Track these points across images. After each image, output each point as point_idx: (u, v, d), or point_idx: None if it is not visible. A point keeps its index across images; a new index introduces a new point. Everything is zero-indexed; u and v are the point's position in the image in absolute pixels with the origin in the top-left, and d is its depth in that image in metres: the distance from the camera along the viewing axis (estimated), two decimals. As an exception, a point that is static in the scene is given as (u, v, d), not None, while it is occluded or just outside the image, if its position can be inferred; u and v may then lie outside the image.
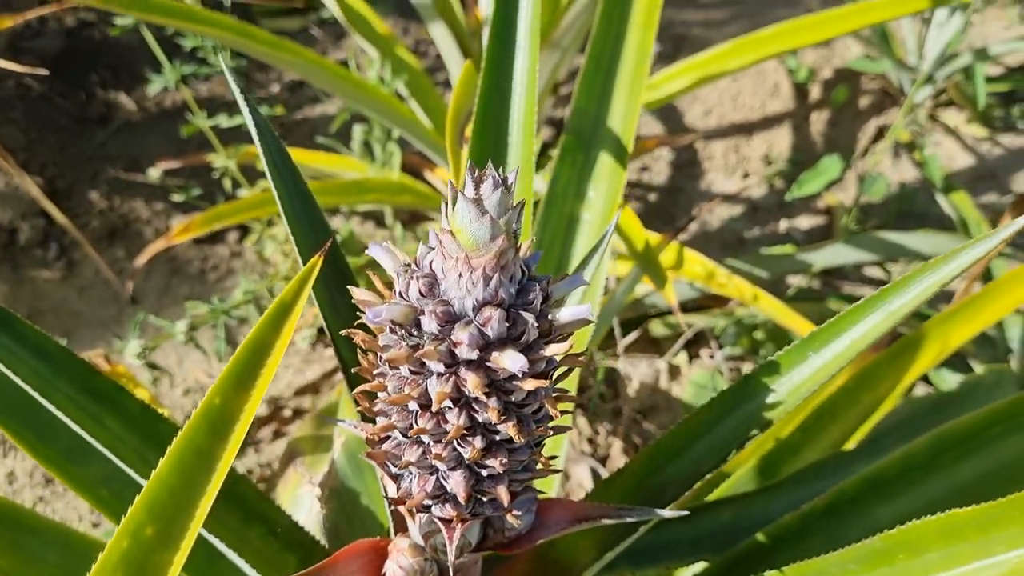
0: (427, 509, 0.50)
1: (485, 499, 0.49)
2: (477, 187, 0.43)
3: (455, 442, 0.46)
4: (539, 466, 0.51)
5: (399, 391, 0.45)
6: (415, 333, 0.44)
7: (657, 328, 1.40)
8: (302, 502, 0.75)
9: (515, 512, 0.51)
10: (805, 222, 1.78)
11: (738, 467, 0.89)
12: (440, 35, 1.32)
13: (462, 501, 0.48)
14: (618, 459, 1.31)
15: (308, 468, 0.79)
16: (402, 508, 0.50)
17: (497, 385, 0.45)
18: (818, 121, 1.95)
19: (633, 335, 1.39)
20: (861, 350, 0.51)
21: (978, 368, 1.33)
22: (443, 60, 1.39)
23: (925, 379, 1.40)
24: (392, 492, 0.51)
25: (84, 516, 1.29)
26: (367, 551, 0.55)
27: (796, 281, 1.54)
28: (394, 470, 0.50)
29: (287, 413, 1.42)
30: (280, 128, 1.85)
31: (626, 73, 0.89)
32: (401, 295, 0.45)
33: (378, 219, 1.66)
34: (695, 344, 1.45)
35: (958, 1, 1.32)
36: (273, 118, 1.73)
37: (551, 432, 0.49)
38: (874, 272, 1.59)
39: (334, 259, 0.56)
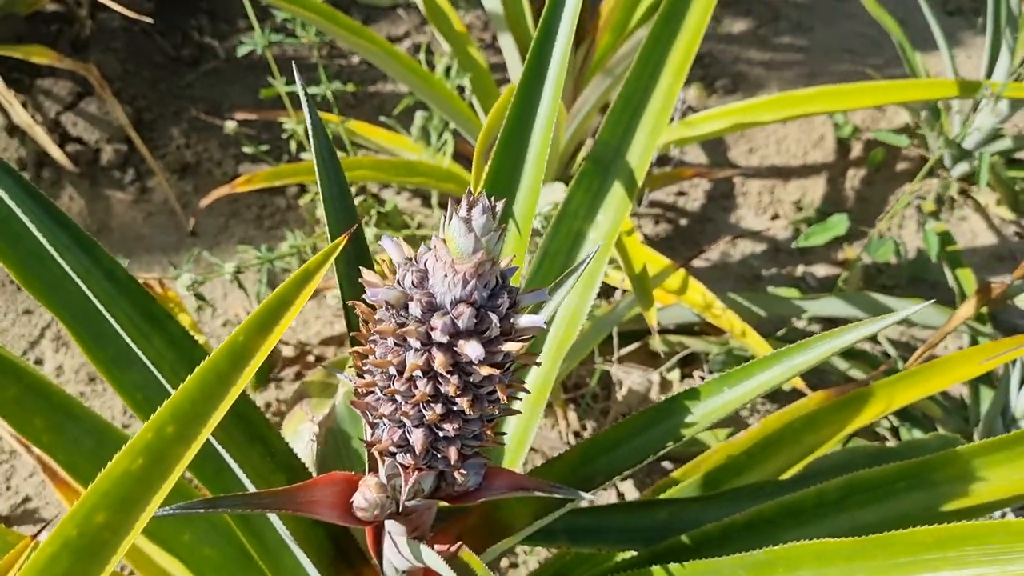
0: (392, 455, 0.61)
1: (439, 456, 0.60)
2: (469, 209, 0.53)
3: (420, 405, 0.57)
4: (487, 438, 0.61)
5: (383, 357, 0.56)
6: (403, 314, 0.55)
7: (656, 344, 1.49)
8: (302, 435, 0.87)
9: (462, 471, 0.61)
10: (821, 270, 1.86)
11: (688, 476, 0.99)
12: (507, 45, 1.42)
13: (419, 453, 0.59)
14: (598, 455, 1.41)
15: (312, 408, 0.91)
16: (373, 450, 0.61)
17: (459, 366, 0.55)
18: (854, 178, 2.02)
19: (634, 346, 1.48)
20: (763, 392, 0.60)
21: (942, 430, 1.40)
22: (507, 66, 1.49)
23: (896, 432, 1.48)
24: (368, 436, 0.61)
25: (117, 417, 1.42)
26: (341, 481, 0.66)
27: (795, 322, 1.62)
28: (371, 419, 0.60)
29: (311, 358, 1.54)
30: (353, 98, 1.97)
31: (650, 115, 0.98)
32: (399, 282, 0.56)
33: (425, 197, 1.77)
34: (690, 363, 1.54)
35: (983, 94, 1.38)
36: (344, 93, 1.85)
37: (499, 412, 0.59)
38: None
39: (357, 241, 0.67)
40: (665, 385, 1.51)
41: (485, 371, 0.55)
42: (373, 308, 0.58)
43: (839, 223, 1.50)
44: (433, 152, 1.55)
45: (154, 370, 0.63)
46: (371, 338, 0.58)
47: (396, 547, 0.69)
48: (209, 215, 1.70)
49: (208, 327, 1.54)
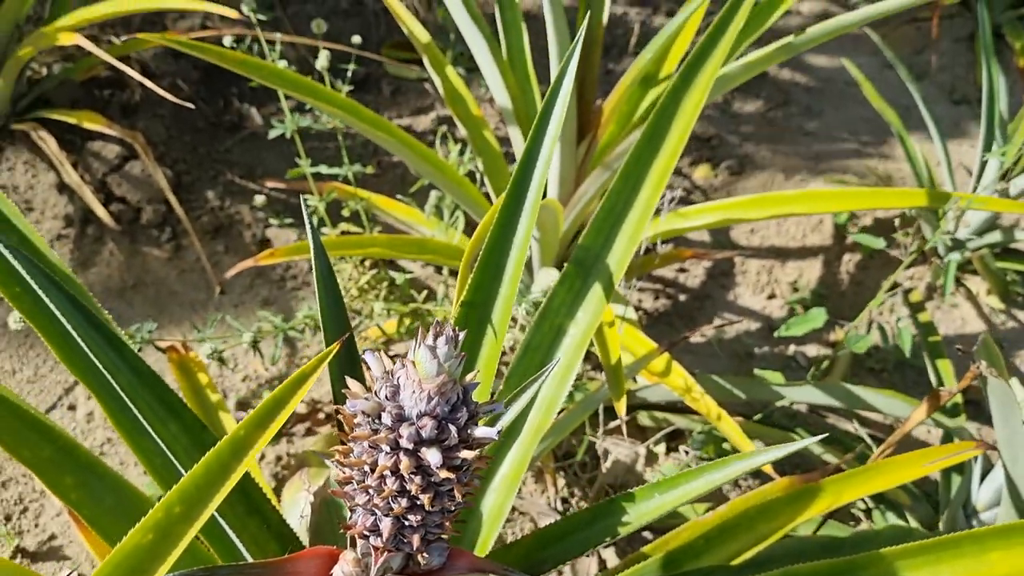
0: (365, 537, 0.70)
1: (405, 540, 0.69)
2: (435, 338, 0.63)
3: (388, 499, 0.66)
4: (447, 528, 0.70)
5: (359, 457, 0.66)
6: (377, 422, 0.64)
7: (644, 419, 1.58)
8: (298, 503, 0.96)
9: (425, 554, 0.70)
10: (812, 349, 1.93)
11: (655, 552, 1.07)
12: (515, 137, 1.53)
13: (386, 538, 0.68)
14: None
15: (310, 478, 1.00)
16: (349, 533, 0.70)
17: (422, 468, 0.64)
18: (849, 263, 2.09)
19: (621, 421, 1.57)
20: (690, 500, 0.69)
21: (912, 521, 1.47)
22: (515, 155, 1.60)
23: (868, 513, 1.54)
24: (347, 520, 0.71)
25: (137, 463, 1.52)
26: (324, 554, 0.75)
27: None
28: (350, 505, 0.70)
29: (321, 416, 1.64)
30: (378, 167, 2.09)
31: (630, 224, 1.08)
32: (376, 393, 0.65)
33: (439, 266, 1.88)
34: (676, 438, 1.62)
35: (954, 204, 1.47)
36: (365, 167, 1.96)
37: (457, 508, 0.68)
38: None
39: (349, 346, 0.77)
40: (651, 457, 1.59)
41: (444, 474, 0.64)
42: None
43: (818, 316, 1.58)
44: (445, 228, 1.66)
45: (168, 453, 0.73)
46: (350, 438, 0.67)
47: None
48: (237, 274, 1.81)
49: (228, 381, 1.65)
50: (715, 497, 1.55)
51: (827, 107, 2.61)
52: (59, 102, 1.97)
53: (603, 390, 1.42)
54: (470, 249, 0.95)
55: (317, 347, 1.70)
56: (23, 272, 0.70)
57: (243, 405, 1.61)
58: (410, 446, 0.63)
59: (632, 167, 1.08)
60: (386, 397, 0.64)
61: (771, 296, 2.04)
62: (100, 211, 1.78)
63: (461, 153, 1.54)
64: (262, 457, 1.54)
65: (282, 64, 1.38)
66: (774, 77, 2.67)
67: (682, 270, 2.05)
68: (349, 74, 1.61)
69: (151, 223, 1.86)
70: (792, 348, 1.93)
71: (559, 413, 1.30)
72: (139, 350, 1.28)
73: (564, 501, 1.52)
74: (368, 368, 0.66)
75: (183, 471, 0.70)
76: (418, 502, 0.66)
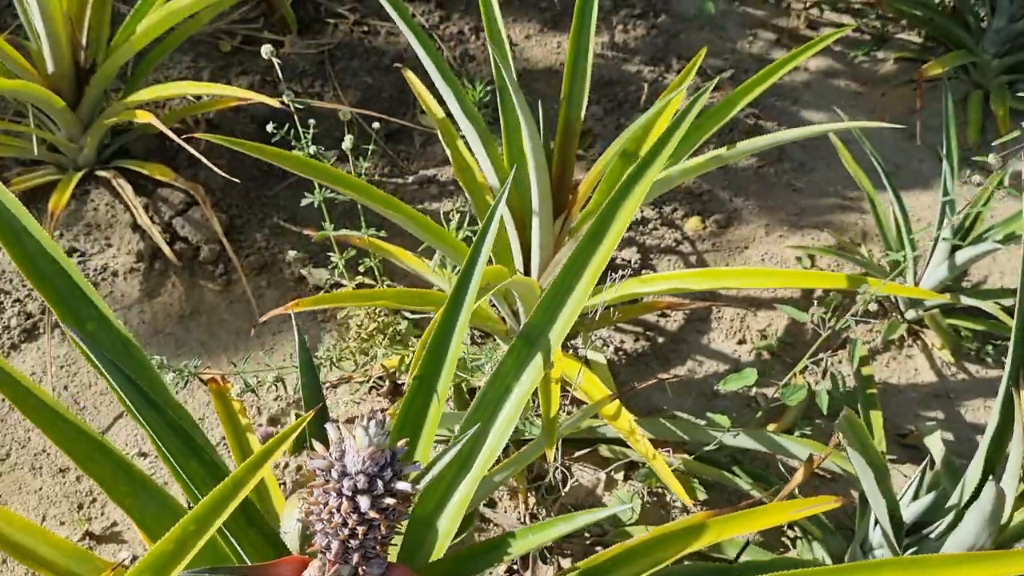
0: (323, 553, 0.97)
1: (350, 557, 0.95)
2: (368, 421, 0.89)
3: (335, 528, 0.92)
4: (379, 551, 0.96)
5: (318, 498, 0.92)
6: (328, 474, 0.91)
7: (604, 451, 1.82)
8: (292, 517, 1.23)
9: (365, 568, 0.97)
10: (771, 390, 2.15)
11: (577, 568, 1.32)
12: (505, 213, 1.79)
13: (335, 555, 0.94)
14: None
15: (303, 498, 1.27)
16: (310, 549, 0.97)
17: (358, 510, 0.90)
18: (813, 315, 2.30)
19: (587, 450, 1.82)
20: (550, 540, 0.93)
21: (823, 551, 1.68)
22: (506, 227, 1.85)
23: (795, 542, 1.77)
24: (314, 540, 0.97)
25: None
26: (299, 562, 1.02)
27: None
28: (311, 529, 0.96)
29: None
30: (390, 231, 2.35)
31: (571, 304, 1.32)
32: (332, 455, 0.92)
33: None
34: (632, 468, 1.86)
35: (865, 291, 1.68)
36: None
37: (387, 535, 0.94)
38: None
39: (322, 413, 1.04)
40: (611, 483, 1.83)
41: (373, 514, 0.90)
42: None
43: (750, 375, 1.80)
44: (448, 277, 1.92)
45: (192, 487, 1.01)
46: (310, 485, 0.94)
47: (332, 606, 1.05)
48: (276, 305, 2.10)
49: (263, 400, 1.94)
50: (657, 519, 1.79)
51: (820, 164, 2.80)
52: (136, 152, 2.28)
53: (563, 426, 1.67)
54: (425, 336, 1.21)
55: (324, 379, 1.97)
56: (93, 358, 0.98)
57: (274, 421, 1.90)
58: (349, 494, 0.89)
59: (572, 263, 1.32)
60: (336, 458, 0.90)
61: (741, 342, 2.26)
62: (166, 249, 2.09)
63: (459, 227, 1.80)
64: (285, 466, 1.83)
65: (312, 149, 1.66)
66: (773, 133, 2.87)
67: (663, 315, 2.28)
68: (381, 132, 1.89)
69: (207, 260, 2.16)
70: (755, 390, 2.15)
71: (525, 444, 1.56)
72: (186, 383, 1.57)
73: (532, 517, 1.78)
74: (327, 435, 0.93)
75: (200, 496, 0.97)
76: (356, 532, 0.92)
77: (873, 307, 2.37)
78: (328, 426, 0.93)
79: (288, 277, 2.18)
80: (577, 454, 1.81)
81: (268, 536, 1.10)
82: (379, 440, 0.89)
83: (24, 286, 2.04)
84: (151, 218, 2.15)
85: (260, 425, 1.89)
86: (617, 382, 2.04)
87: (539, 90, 2.83)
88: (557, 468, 1.71)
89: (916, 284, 2.28)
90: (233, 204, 2.28)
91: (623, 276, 1.62)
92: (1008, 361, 1.34)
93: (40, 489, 1.75)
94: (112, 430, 1.89)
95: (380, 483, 0.90)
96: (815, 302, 2.35)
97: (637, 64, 3.01)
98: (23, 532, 1.28)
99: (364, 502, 0.89)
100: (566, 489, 1.75)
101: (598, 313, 1.60)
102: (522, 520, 1.76)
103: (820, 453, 1.31)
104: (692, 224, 2.52)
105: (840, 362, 2.23)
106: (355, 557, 0.95)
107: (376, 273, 1.85)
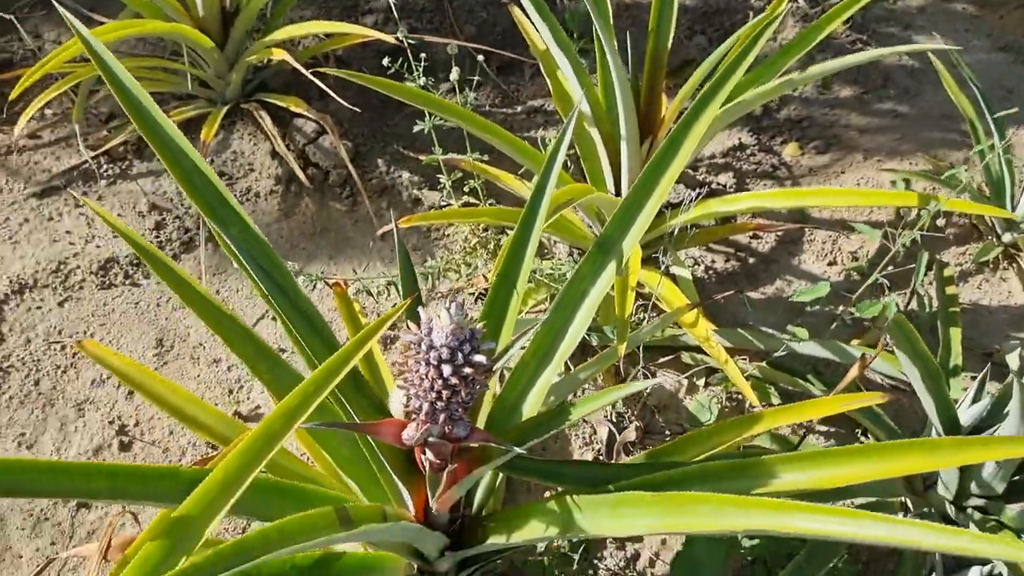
0: (416, 414, 1.16)
1: (438, 417, 1.14)
2: (451, 304, 1.06)
3: (425, 392, 1.11)
4: (462, 413, 1.14)
5: (412, 367, 1.11)
6: (419, 348, 1.09)
7: (686, 358, 1.95)
8: (397, 393, 1.44)
9: (449, 427, 1.15)
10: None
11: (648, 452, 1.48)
12: (596, 136, 1.91)
13: (425, 415, 1.13)
14: (631, 433, 1.90)
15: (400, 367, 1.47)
16: (407, 411, 1.16)
17: (443, 377, 1.09)
18: (907, 238, 2.33)
19: (669, 357, 1.95)
20: (594, 409, 1.08)
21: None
22: (598, 151, 1.97)
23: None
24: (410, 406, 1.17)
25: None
26: (398, 423, 1.21)
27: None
28: (409, 395, 1.15)
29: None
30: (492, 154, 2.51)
31: (642, 218, 1.45)
32: (423, 331, 1.10)
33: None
34: (711, 373, 1.99)
35: (935, 206, 1.72)
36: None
37: (470, 399, 1.12)
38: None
39: (417, 300, 1.22)
40: (691, 388, 1.97)
41: (454, 380, 1.08)
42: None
43: (824, 287, 1.87)
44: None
45: (313, 358, 1.22)
46: (405, 356, 1.13)
47: (428, 461, 1.25)
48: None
49: (382, 307, 2.16)
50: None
51: (927, 89, 2.77)
52: (275, 87, 2.52)
53: (637, 335, 1.82)
54: (506, 245, 1.36)
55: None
56: (240, 257, 1.20)
57: (390, 344, 2.12)
58: (435, 363, 1.08)
59: (643, 181, 1.45)
60: (425, 334, 1.09)
61: (831, 263, 2.32)
62: (300, 174, 2.32)
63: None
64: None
65: (422, 80, 1.83)
66: (879, 60, 2.85)
67: (756, 237, 2.36)
68: (493, 65, 2.03)
69: (335, 184, 2.39)
70: (840, 307, 2.22)
71: (604, 348, 1.71)
72: (314, 286, 1.79)
73: (619, 415, 1.94)
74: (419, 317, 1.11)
75: (318, 364, 1.18)
76: (441, 395, 1.11)
77: (958, 230, 2.37)
78: (420, 309, 1.12)
79: (406, 200, 2.38)
80: (660, 360, 1.95)
81: (374, 402, 1.30)
82: (460, 320, 1.07)
83: (183, 205, 2.32)
84: (287, 146, 2.39)
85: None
86: (704, 297, 2.16)
87: (645, 19, 2.89)
88: (640, 370, 1.86)
89: (1013, 209, 2.27)
90: (358, 133, 2.49)
91: (699, 195, 1.73)
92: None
93: (198, 376, 2.04)
94: (255, 329, 2.16)
95: (460, 355, 1.08)
96: (906, 227, 2.37)
97: (744, -8, 3.03)
98: (188, 402, 1.55)
99: (447, 370, 1.07)
100: (647, 391, 1.90)
101: (676, 230, 1.72)
102: (609, 418, 1.93)
103: (872, 353, 1.40)
104: (790, 150, 2.57)
105: (931, 284, 2.26)
106: (441, 417, 1.13)
107: (480, 194, 2.02)
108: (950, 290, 2.05)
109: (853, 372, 1.45)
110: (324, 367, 1.13)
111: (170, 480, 1.16)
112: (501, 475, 1.51)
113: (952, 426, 1.53)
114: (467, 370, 1.08)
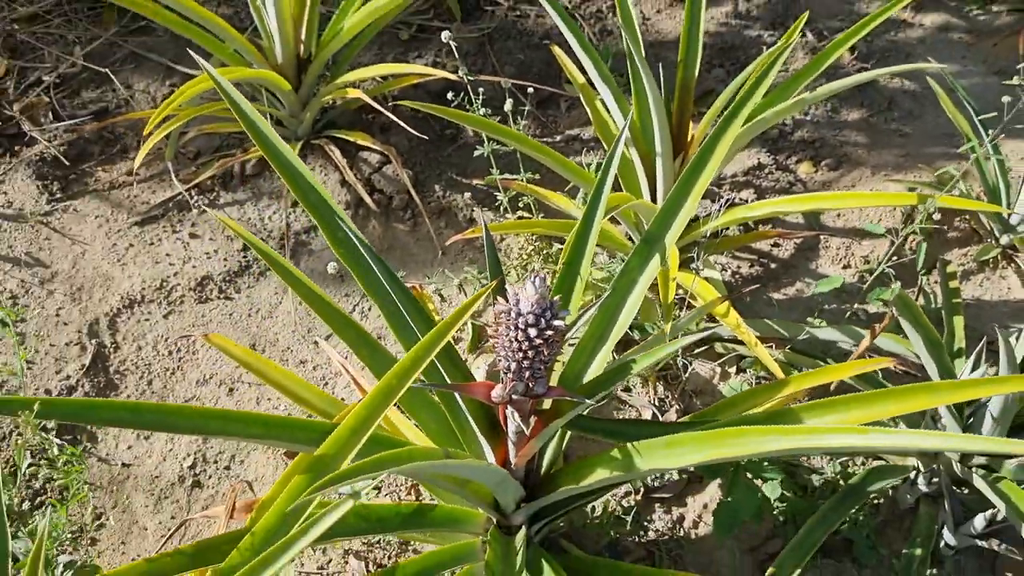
0: (505, 373, 1.40)
1: (523, 375, 1.38)
2: (535, 280, 1.31)
3: (512, 353, 1.36)
4: (543, 371, 1.39)
5: (503, 332, 1.35)
6: (508, 316, 1.34)
7: (719, 348, 2.19)
8: (481, 367, 1.68)
9: (532, 384, 1.39)
10: (872, 307, 2.44)
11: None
12: (634, 155, 2.17)
13: (512, 373, 1.37)
14: (671, 415, 2.13)
15: (492, 335, 1.71)
16: (496, 370, 1.40)
17: (528, 339, 1.33)
18: (912, 241, 2.56)
19: (704, 348, 2.19)
20: (649, 364, 1.32)
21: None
22: (636, 168, 2.23)
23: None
24: (497, 366, 1.41)
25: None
26: (487, 385, 1.45)
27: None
28: (496, 356, 1.40)
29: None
30: (542, 174, 2.78)
31: (681, 216, 1.69)
32: (511, 302, 1.35)
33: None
34: (742, 359, 2.22)
35: (930, 206, 1.96)
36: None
37: (550, 359, 1.36)
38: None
39: (501, 284, 1.47)
40: (724, 375, 2.20)
41: (538, 341, 1.32)
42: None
43: (837, 279, 2.11)
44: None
45: (416, 331, 1.47)
46: (496, 323, 1.37)
47: (511, 417, 1.49)
48: (452, 243, 2.58)
49: (447, 311, 2.41)
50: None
51: (928, 111, 3.01)
52: (342, 124, 2.81)
53: (676, 325, 2.05)
54: (571, 235, 1.62)
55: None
56: (348, 234, 1.45)
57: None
58: (522, 327, 1.32)
59: (681, 185, 1.70)
60: (513, 304, 1.33)
61: (846, 266, 2.55)
62: (367, 199, 2.59)
63: (599, 167, 2.20)
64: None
65: (481, 111, 2.10)
66: (883, 85, 3.11)
67: (776, 245, 2.61)
68: (533, 100, 2.31)
69: (398, 207, 2.66)
70: (856, 305, 2.45)
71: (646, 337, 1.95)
72: (395, 288, 2.04)
73: (661, 400, 2.17)
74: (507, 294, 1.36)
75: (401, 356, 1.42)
76: (527, 354, 1.35)
77: (959, 234, 2.60)
78: (507, 286, 1.37)
79: (461, 219, 2.64)
80: (696, 351, 2.19)
81: (464, 373, 1.55)
82: (542, 291, 1.31)
83: (265, 229, 2.60)
84: (355, 175, 2.67)
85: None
86: (732, 295, 2.39)
87: (668, 57, 3.17)
88: (678, 358, 2.09)
89: (1009, 212, 2.50)
90: (417, 163, 2.77)
91: (727, 202, 1.97)
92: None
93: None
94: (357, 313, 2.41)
95: (543, 320, 1.32)
96: (911, 234, 2.60)
97: (758, 29, 3.30)
98: (299, 386, 1.79)
99: (532, 332, 1.31)
100: (686, 375, 2.14)
101: (708, 232, 1.97)
102: (652, 402, 2.16)
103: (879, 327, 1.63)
104: (804, 168, 2.82)
105: (936, 282, 2.49)
106: (526, 375, 1.38)
107: (532, 209, 2.28)
108: (953, 284, 2.28)
109: (865, 342, 1.69)
110: (430, 336, 1.38)
111: (308, 430, 1.41)
112: (567, 438, 1.75)
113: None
114: (549, 332, 1.33)
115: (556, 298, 1.35)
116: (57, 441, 2.01)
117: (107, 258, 2.49)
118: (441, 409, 1.65)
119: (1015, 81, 2.22)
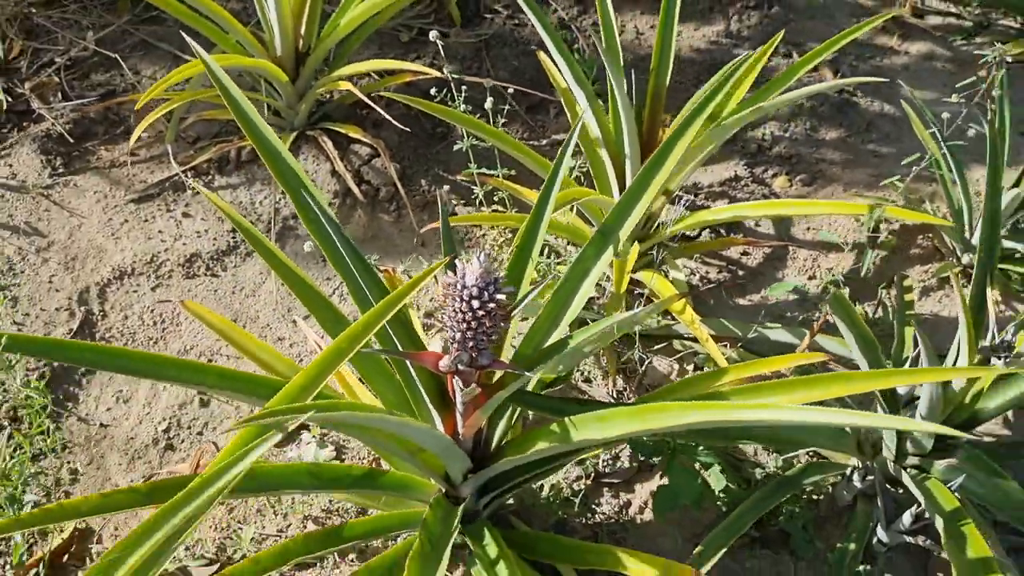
0: (451, 344, 1.49)
1: (467, 346, 1.47)
2: (479, 255, 1.40)
3: (456, 324, 1.44)
4: (486, 342, 1.47)
5: (449, 304, 1.44)
6: (455, 288, 1.42)
7: (677, 345, 2.27)
8: (434, 343, 1.77)
9: (476, 355, 1.48)
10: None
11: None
12: (604, 156, 2.26)
13: (457, 343, 1.46)
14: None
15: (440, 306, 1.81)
16: (444, 342, 1.49)
17: (472, 310, 1.42)
18: (876, 256, 2.64)
19: (663, 344, 2.27)
20: (590, 338, 1.41)
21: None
22: (606, 167, 2.32)
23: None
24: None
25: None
26: (437, 354, 1.54)
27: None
28: (442, 326, 1.48)
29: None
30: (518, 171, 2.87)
31: (636, 211, 1.78)
32: (457, 276, 1.43)
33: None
34: (697, 355, 2.29)
35: (877, 212, 2.03)
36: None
37: (493, 331, 1.45)
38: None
39: (453, 259, 1.56)
40: (681, 371, 2.28)
41: (481, 312, 1.41)
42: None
43: (789, 284, 2.20)
44: (564, 211, 2.41)
45: (373, 302, 1.56)
46: (444, 296, 1.46)
47: (458, 388, 1.57)
48: (432, 233, 2.67)
49: (420, 300, 2.50)
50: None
51: (906, 135, 3.09)
52: (336, 117, 2.91)
53: (630, 317, 2.13)
54: (525, 223, 1.70)
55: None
56: (322, 219, 1.55)
57: (428, 315, 2.46)
58: (466, 299, 1.41)
59: (637, 183, 1.79)
60: (460, 277, 1.42)
61: (811, 277, 2.63)
62: (355, 189, 2.69)
63: (572, 168, 2.29)
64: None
65: (463, 107, 2.20)
66: (865, 108, 3.19)
67: (745, 253, 2.69)
68: (523, 106, 2.40)
69: (384, 199, 2.75)
70: (815, 313, 2.52)
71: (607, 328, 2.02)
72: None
73: (619, 392, 2.25)
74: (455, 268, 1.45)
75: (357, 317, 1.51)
76: (471, 325, 1.44)
77: (921, 251, 2.67)
78: (456, 261, 1.45)
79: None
80: (655, 347, 2.27)
81: (418, 345, 1.64)
82: (487, 266, 1.40)
83: (255, 212, 2.70)
84: (345, 166, 2.77)
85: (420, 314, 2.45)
86: (698, 301, 2.48)
87: (645, 67, 3.26)
88: (638, 353, 2.18)
89: (971, 233, 2.57)
90: (404, 157, 2.87)
91: (688, 203, 2.06)
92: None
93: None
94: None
95: (486, 293, 1.41)
96: (877, 247, 2.68)
97: (746, 48, 3.39)
98: (262, 350, 1.87)
99: (476, 304, 1.40)
100: (643, 369, 2.22)
101: (671, 233, 2.05)
102: (611, 394, 2.24)
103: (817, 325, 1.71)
104: (779, 182, 2.90)
105: (891, 295, 2.56)
106: (470, 345, 1.46)
107: (507, 204, 2.37)
108: (909, 297, 2.35)
109: (806, 340, 1.77)
110: (382, 303, 1.46)
111: (264, 387, 1.50)
112: (517, 415, 1.83)
113: (889, 392, 1.83)
114: (491, 305, 1.41)
115: (500, 274, 1.43)
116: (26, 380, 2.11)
117: (102, 231, 2.59)
118: (397, 380, 1.73)
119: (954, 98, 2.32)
